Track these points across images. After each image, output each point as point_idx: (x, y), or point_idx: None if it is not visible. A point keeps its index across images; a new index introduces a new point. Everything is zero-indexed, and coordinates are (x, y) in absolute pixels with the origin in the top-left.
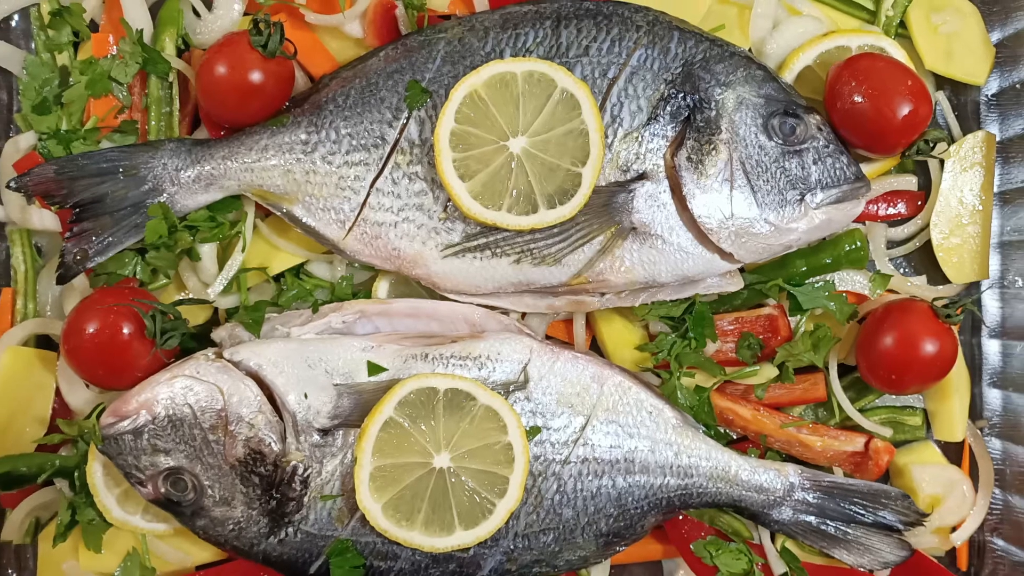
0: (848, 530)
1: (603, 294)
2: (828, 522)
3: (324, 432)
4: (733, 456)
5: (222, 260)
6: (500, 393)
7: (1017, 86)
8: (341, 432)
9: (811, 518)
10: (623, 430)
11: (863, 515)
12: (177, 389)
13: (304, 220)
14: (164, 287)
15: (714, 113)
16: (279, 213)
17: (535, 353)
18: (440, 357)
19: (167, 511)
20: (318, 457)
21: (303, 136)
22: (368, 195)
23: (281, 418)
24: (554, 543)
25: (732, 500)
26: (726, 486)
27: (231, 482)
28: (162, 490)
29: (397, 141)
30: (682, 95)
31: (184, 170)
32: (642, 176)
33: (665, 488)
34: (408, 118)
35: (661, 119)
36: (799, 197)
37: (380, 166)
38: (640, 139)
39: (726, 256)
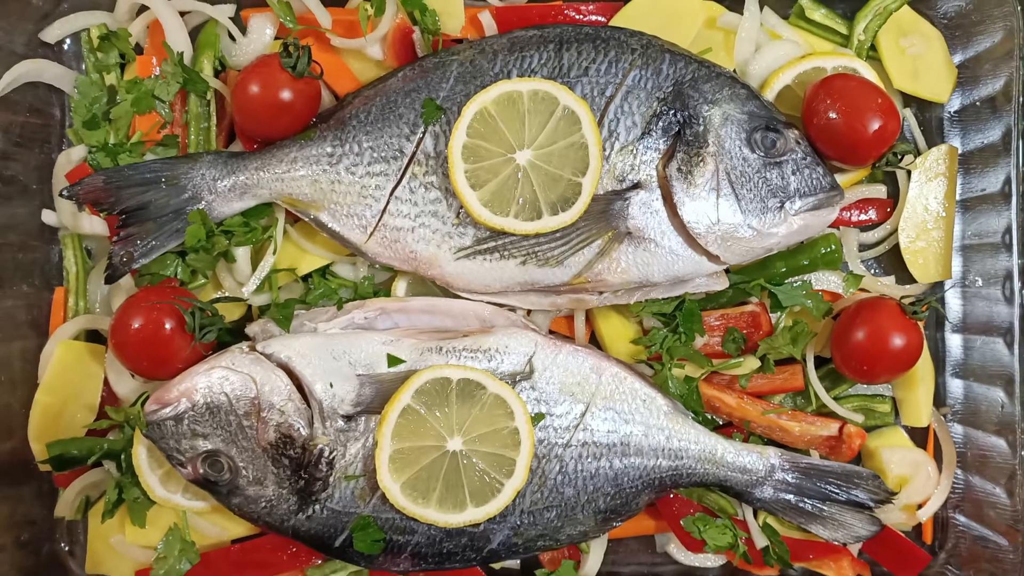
0: (824, 507)
1: (601, 293)
2: (806, 500)
3: (348, 418)
4: (719, 440)
5: (255, 262)
6: (508, 383)
7: (977, 103)
8: (363, 418)
9: (790, 496)
10: (619, 416)
11: (837, 494)
12: (214, 379)
13: (330, 225)
14: (202, 286)
15: (702, 128)
16: (307, 219)
17: (539, 346)
18: (453, 350)
19: (205, 490)
20: (342, 441)
21: (329, 149)
22: (388, 203)
23: (309, 405)
24: (557, 519)
25: (718, 480)
26: (713, 467)
27: (263, 464)
28: (201, 471)
29: (414, 154)
30: (673, 112)
31: (221, 180)
32: (636, 185)
33: (658, 469)
34: (424, 133)
35: (654, 133)
36: (779, 204)
37: (399, 176)
38: (635, 152)
39: (713, 258)
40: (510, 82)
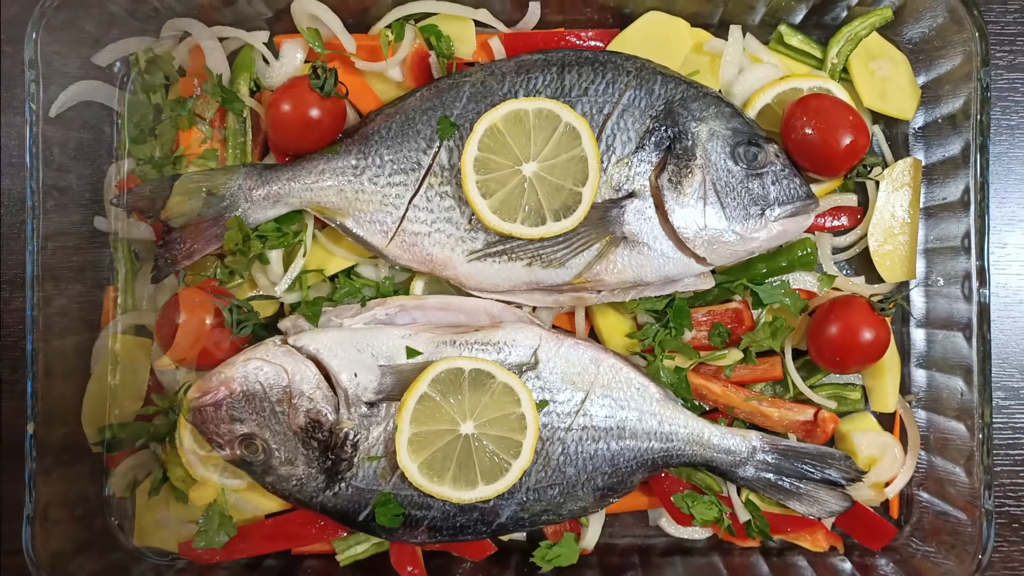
0: (800, 485)
1: (599, 291)
2: (784, 478)
3: (370, 405)
4: (706, 424)
5: (287, 263)
6: (515, 372)
7: (939, 120)
8: (384, 405)
9: (770, 475)
10: (616, 403)
11: (813, 473)
12: (250, 369)
13: (354, 231)
14: (239, 285)
15: (690, 143)
16: (334, 225)
17: (543, 340)
18: (465, 343)
19: (242, 470)
20: (365, 425)
21: (353, 162)
22: (407, 210)
23: (335, 393)
24: (559, 496)
25: (705, 460)
26: (701, 449)
27: (294, 446)
28: (237, 452)
29: (430, 166)
30: (664, 128)
31: (256, 189)
32: (631, 195)
33: (650, 451)
34: (439, 147)
35: (647, 148)
36: (760, 212)
37: (416, 186)
38: (630, 164)
39: (700, 260)
40: (517, 101)
